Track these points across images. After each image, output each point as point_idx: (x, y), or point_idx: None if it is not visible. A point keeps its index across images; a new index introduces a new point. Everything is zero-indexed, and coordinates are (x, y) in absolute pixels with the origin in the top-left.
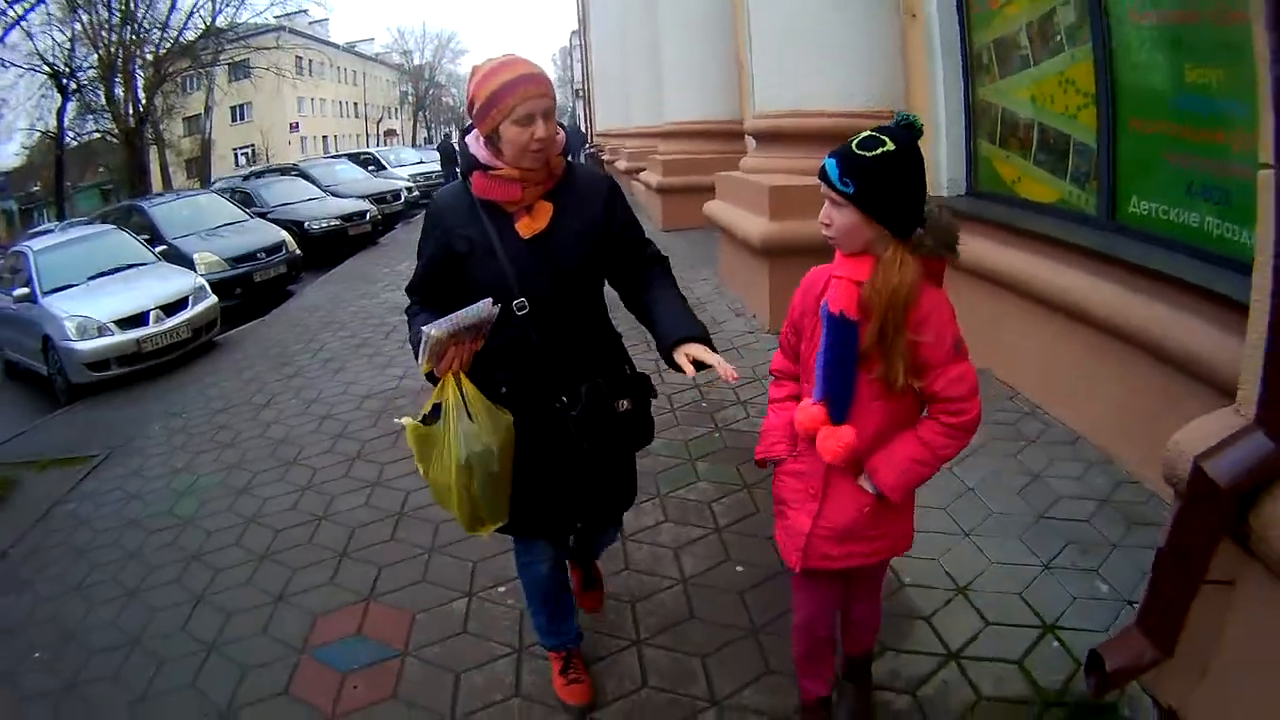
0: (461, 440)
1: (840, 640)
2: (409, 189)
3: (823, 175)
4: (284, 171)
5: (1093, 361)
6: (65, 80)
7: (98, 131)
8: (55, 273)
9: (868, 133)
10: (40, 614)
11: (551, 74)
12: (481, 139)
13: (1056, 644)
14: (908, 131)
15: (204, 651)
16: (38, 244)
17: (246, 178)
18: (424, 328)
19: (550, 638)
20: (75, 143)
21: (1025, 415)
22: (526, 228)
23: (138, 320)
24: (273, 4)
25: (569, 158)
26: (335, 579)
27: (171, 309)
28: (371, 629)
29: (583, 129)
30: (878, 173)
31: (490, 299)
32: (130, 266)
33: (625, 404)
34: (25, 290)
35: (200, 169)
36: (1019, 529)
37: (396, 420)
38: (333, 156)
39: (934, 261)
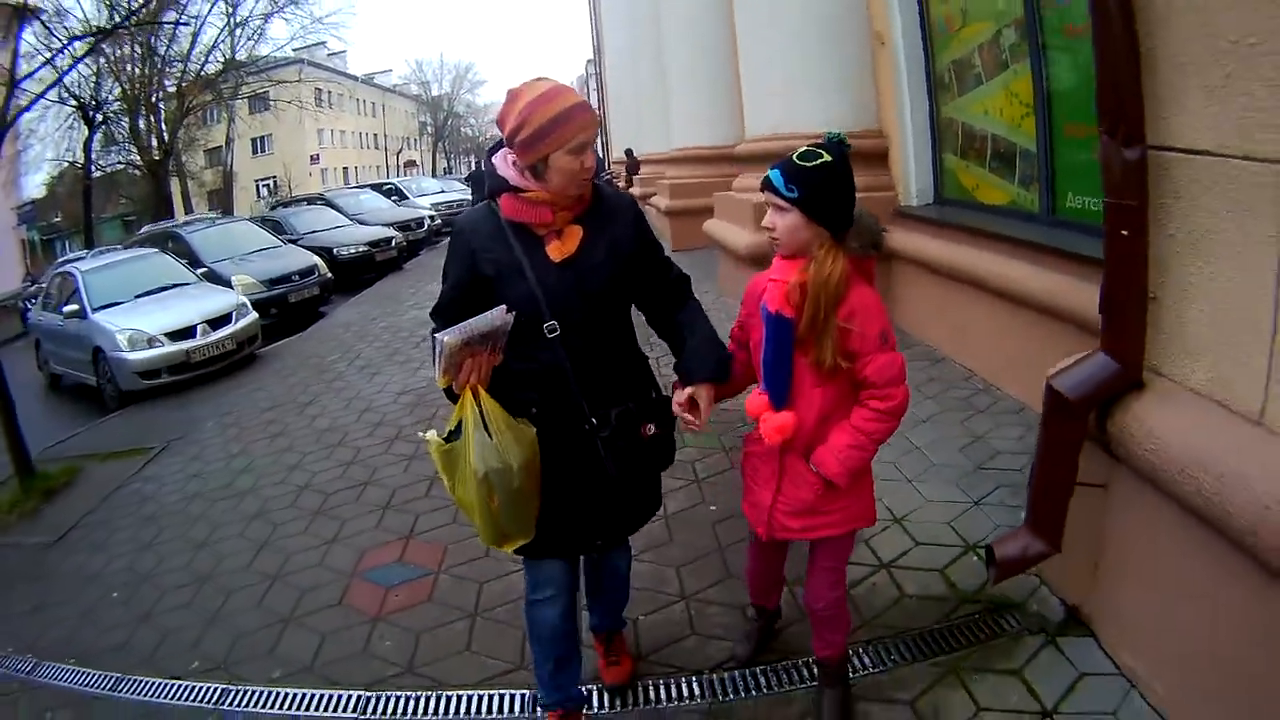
0: (479, 456)
1: (811, 644)
2: (431, 217)
3: (767, 185)
4: (310, 201)
5: (1035, 340)
6: (92, 113)
7: (120, 163)
8: (103, 291)
9: (805, 147)
10: (116, 566)
11: None
12: (512, 161)
13: (976, 559)
14: (840, 146)
15: (268, 582)
16: (84, 265)
17: (273, 207)
18: (436, 334)
19: (552, 693)
20: (98, 174)
21: (979, 391)
22: (557, 251)
23: (186, 333)
24: (293, 38)
25: (598, 181)
26: (379, 525)
27: (217, 323)
28: (410, 557)
29: (599, 155)
30: (818, 181)
31: (504, 306)
32: (174, 286)
33: (652, 428)
34: (75, 307)
35: (222, 200)
36: (957, 477)
37: (421, 434)
38: (357, 187)
39: (863, 261)
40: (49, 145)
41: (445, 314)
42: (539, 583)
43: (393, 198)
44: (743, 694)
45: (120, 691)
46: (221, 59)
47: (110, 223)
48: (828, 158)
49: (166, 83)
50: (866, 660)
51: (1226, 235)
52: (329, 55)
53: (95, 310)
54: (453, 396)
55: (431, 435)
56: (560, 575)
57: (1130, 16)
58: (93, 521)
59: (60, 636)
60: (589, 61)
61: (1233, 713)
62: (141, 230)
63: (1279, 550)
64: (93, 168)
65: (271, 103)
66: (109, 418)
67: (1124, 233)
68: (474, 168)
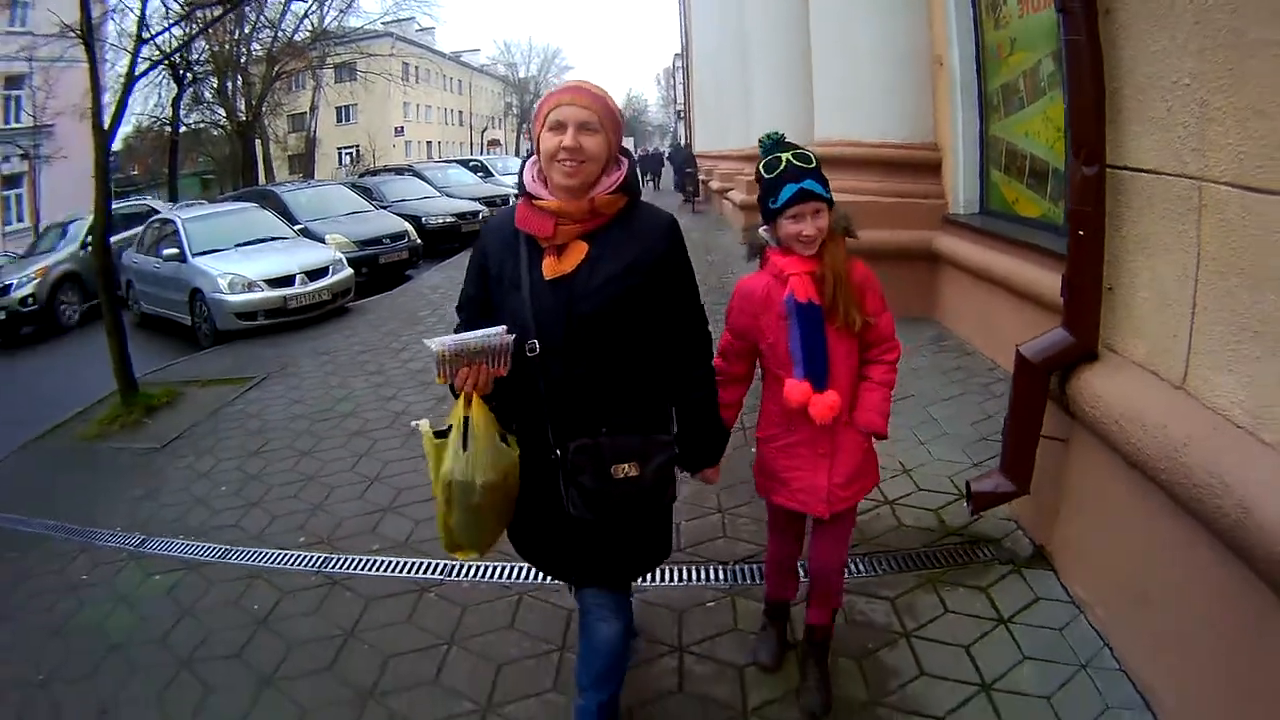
0: (450, 463)
1: (807, 614)
2: (516, 195)
3: (807, 196)
4: (399, 172)
5: None
6: (182, 72)
7: (203, 122)
8: (202, 238)
9: (794, 152)
10: (224, 466)
11: (654, 93)
12: (536, 167)
13: (966, 505)
14: (787, 141)
15: (368, 482)
16: (185, 213)
17: (361, 175)
18: (427, 340)
19: None
20: (183, 130)
21: (999, 381)
22: (550, 268)
23: (285, 281)
24: (385, 14)
25: (635, 194)
26: None
27: (314, 275)
28: None
29: (681, 146)
30: (823, 173)
31: (504, 326)
32: (272, 239)
33: (628, 469)
34: (175, 251)
35: (304, 165)
36: (964, 444)
37: (414, 423)
38: (444, 161)
39: (842, 240)
40: (137, 101)
41: (465, 311)
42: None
43: (478, 174)
44: (759, 580)
45: (229, 559)
46: (311, 28)
47: (189, 179)
48: (812, 152)
49: (254, 47)
50: (861, 567)
51: (1162, 238)
52: (418, 30)
53: (195, 255)
54: (455, 392)
55: (425, 425)
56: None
57: (1099, 66)
58: (199, 432)
59: (171, 518)
60: (676, 55)
61: (1167, 643)
62: (238, 190)
63: (1184, 484)
64: (180, 125)
65: (359, 74)
66: (205, 352)
67: (1081, 233)
68: None
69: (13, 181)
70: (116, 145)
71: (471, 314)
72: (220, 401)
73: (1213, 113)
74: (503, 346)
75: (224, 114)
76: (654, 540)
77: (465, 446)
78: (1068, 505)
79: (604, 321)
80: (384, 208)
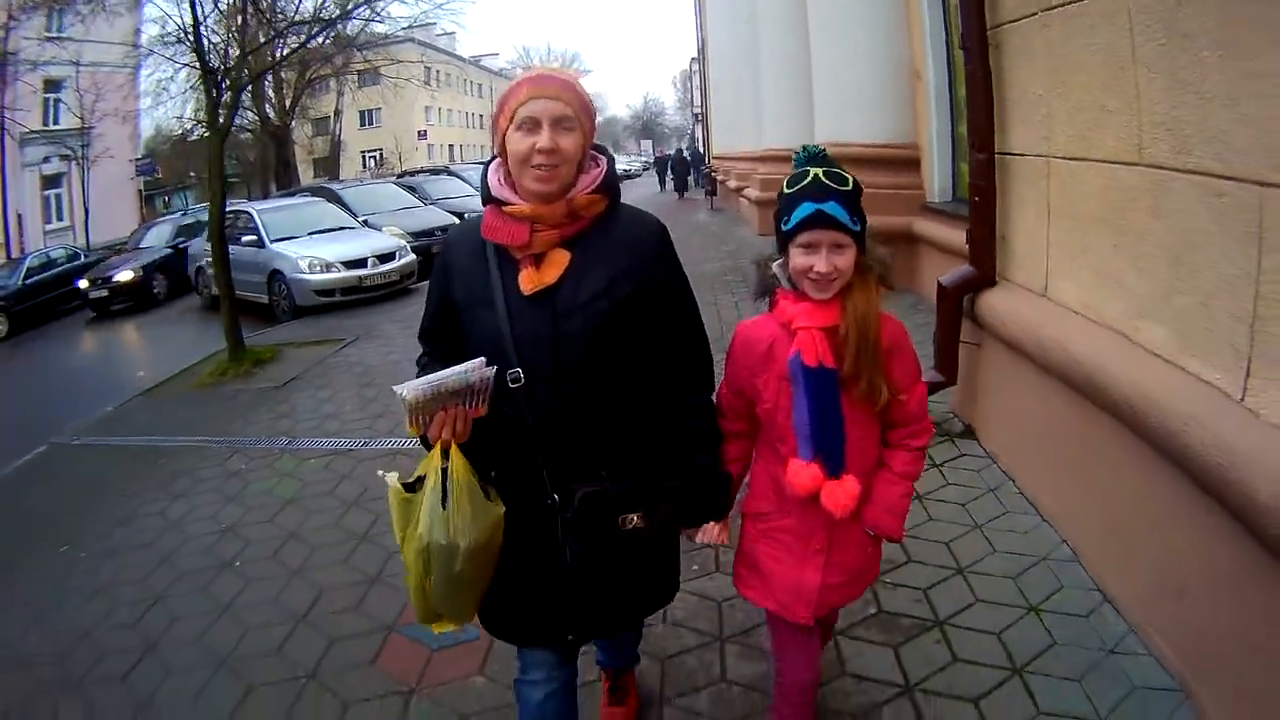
0: (426, 524)
1: None
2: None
3: (826, 221)
4: (434, 172)
5: None
6: (220, 77)
7: (236, 126)
8: (278, 227)
9: (820, 170)
10: (342, 397)
11: (671, 96)
12: (503, 167)
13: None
14: (828, 157)
15: None
16: (259, 206)
17: (401, 175)
18: (395, 388)
19: None
20: (202, 134)
21: None
22: (529, 281)
23: (359, 264)
24: (413, 21)
25: (614, 196)
26: None
27: (384, 258)
28: None
29: (700, 151)
30: (860, 203)
31: (483, 359)
32: (341, 229)
33: (636, 520)
34: (254, 238)
35: (329, 168)
36: (926, 368)
37: (381, 473)
38: (476, 163)
39: (878, 288)
40: (177, 104)
41: (429, 338)
42: (525, 664)
43: None
44: None
45: (371, 446)
46: (338, 34)
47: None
48: (850, 176)
49: (278, 52)
50: None
51: (1029, 199)
52: (439, 35)
53: (273, 242)
54: (428, 443)
55: (392, 479)
56: (549, 660)
57: (989, 86)
58: (310, 375)
59: (309, 428)
60: (693, 59)
61: (1044, 462)
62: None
63: (1042, 352)
64: (209, 128)
65: (384, 78)
66: (289, 323)
67: (977, 199)
68: None
69: (53, 181)
70: (140, 150)
71: (436, 342)
72: (321, 356)
73: (1054, 113)
74: (483, 383)
75: (256, 118)
76: (662, 579)
77: (444, 504)
78: (982, 391)
79: (595, 340)
80: (430, 204)
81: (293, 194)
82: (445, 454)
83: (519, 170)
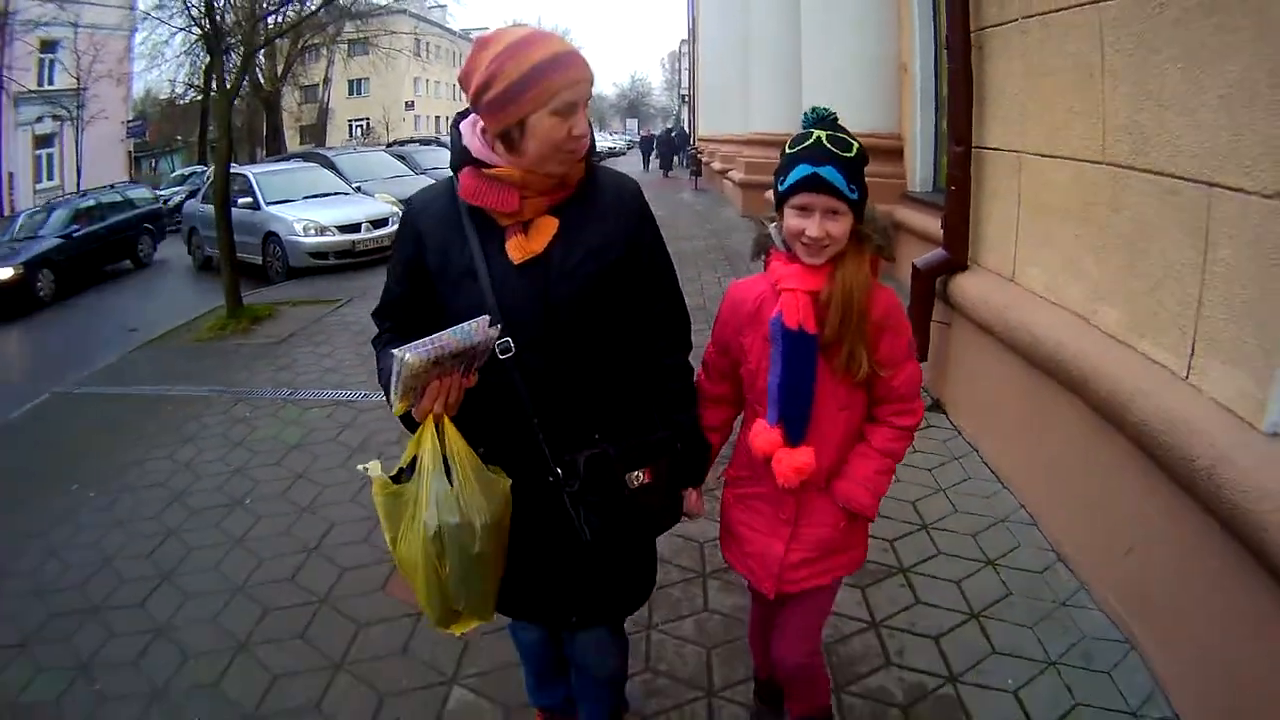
0: (434, 506)
1: (785, 705)
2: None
3: (820, 185)
4: (424, 143)
5: None
6: (215, 43)
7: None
8: (273, 191)
9: (825, 133)
10: (341, 354)
11: (658, 77)
12: (480, 129)
13: None
14: (838, 122)
15: None
16: (255, 169)
17: (390, 144)
18: (396, 351)
19: (536, 696)
20: (197, 98)
21: None
22: (519, 249)
23: (353, 228)
24: None
25: (593, 159)
26: None
27: (377, 224)
28: None
29: (685, 132)
30: (862, 172)
31: (485, 317)
32: (336, 194)
33: (642, 477)
34: (250, 200)
35: (315, 136)
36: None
37: (361, 467)
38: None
39: (876, 260)
40: (170, 67)
41: (393, 313)
42: (515, 623)
43: None
44: None
45: (371, 399)
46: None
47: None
48: (854, 141)
49: (269, 19)
50: None
51: (1001, 191)
52: (430, 8)
53: (268, 204)
54: (411, 424)
55: (375, 469)
56: (544, 633)
57: (970, 84)
58: (309, 332)
59: (311, 380)
60: (683, 41)
61: (1006, 434)
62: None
63: (1007, 336)
64: (203, 93)
65: (373, 48)
66: (283, 284)
67: (953, 188)
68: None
69: (45, 141)
70: (131, 113)
71: (400, 319)
72: (318, 315)
73: (1027, 112)
74: (487, 343)
75: (248, 84)
76: (648, 565)
77: (451, 482)
78: (952, 367)
79: (585, 305)
80: (422, 173)
81: (288, 159)
82: (439, 430)
83: (547, 155)
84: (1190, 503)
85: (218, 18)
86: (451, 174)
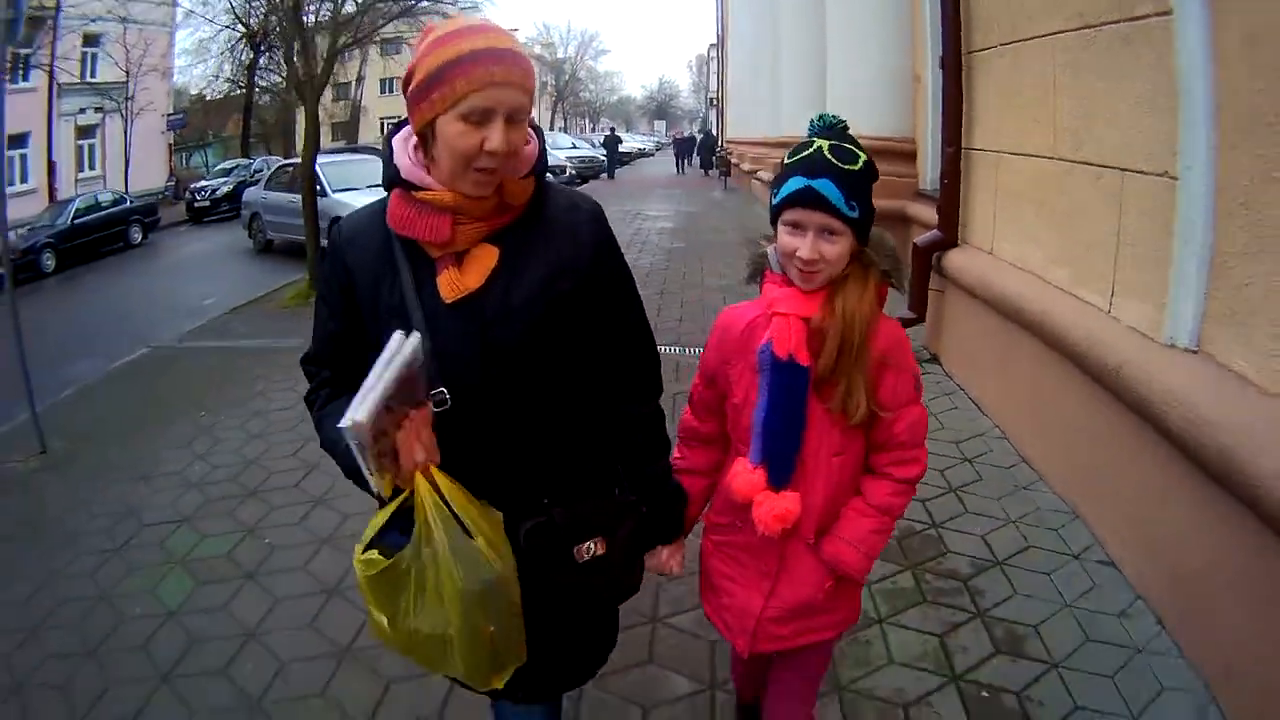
0: (465, 568)
1: None
2: (565, 169)
3: (813, 200)
4: None
5: None
6: (258, 40)
7: (270, 87)
8: (337, 179)
9: (827, 143)
10: None
11: (686, 79)
12: (413, 139)
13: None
14: (846, 132)
15: None
16: (321, 160)
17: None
18: (341, 424)
19: None
20: (234, 94)
21: None
22: (450, 285)
23: None
24: None
25: (544, 176)
26: None
27: None
28: None
29: (714, 134)
30: (867, 189)
31: (400, 332)
32: None
33: (595, 548)
34: (316, 188)
35: (348, 133)
36: (900, 312)
37: (360, 551)
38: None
39: (883, 288)
40: (215, 63)
41: (328, 360)
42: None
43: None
44: None
45: None
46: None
47: (231, 141)
48: (863, 155)
49: (307, 17)
50: None
51: (983, 183)
52: (465, 9)
53: (334, 192)
54: (382, 499)
55: (372, 555)
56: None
57: (960, 98)
58: None
59: None
60: (711, 46)
61: (984, 372)
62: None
63: (986, 296)
64: (240, 88)
65: (407, 46)
66: None
67: (946, 181)
68: (609, 132)
69: (87, 132)
70: (171, 107)
71: (339, 363)
72: None
73: (1004, 123)
74: (416, 356)
75: (283, 80)
76: (602, 636)
77: (470, 534)
78: (944, 326)
79: (530, 350)
80: None
81: (355, 150)
82: (431, 482)
83: (455, 170)
84: (1107, 396)
85: (305, 13)
86: (386, 194)
